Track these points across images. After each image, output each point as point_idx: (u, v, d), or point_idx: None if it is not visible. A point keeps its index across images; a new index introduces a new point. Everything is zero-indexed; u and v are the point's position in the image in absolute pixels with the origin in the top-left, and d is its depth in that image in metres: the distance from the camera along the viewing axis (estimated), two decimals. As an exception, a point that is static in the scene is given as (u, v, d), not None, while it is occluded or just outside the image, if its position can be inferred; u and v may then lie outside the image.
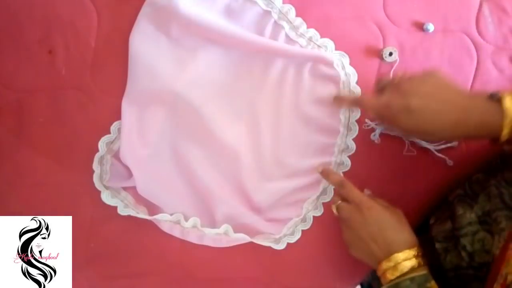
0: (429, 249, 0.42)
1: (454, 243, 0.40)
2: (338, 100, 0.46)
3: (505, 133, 0.35)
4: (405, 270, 0.38)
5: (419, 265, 0.39)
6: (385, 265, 0.39)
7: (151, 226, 0.49)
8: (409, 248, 0.39)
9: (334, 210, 0.46)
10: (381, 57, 0.49)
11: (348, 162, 0.49)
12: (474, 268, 0.38)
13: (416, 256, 0.39)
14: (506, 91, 0.36)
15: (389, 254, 0.39)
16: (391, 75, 0.49)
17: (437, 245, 0.42)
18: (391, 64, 0.49)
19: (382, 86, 0.43)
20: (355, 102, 0.44)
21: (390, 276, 0.38)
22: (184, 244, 0.50)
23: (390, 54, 0.48)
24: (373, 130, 0.49)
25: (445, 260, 0.40)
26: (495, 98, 0.36)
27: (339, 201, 0.45)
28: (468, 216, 0.39)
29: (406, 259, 0.38)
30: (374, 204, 0.42)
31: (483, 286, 0.36)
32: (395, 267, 0.38)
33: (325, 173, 0.48)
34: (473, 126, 0.36)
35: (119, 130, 0.49)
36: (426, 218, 0.49)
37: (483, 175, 0.43)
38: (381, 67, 0.49)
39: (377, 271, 0.41)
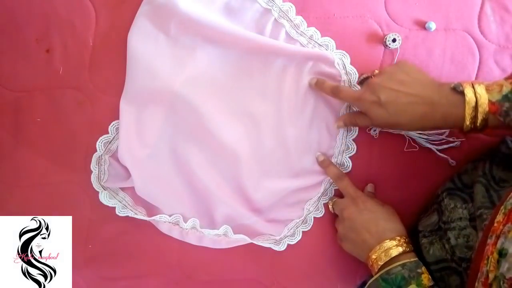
0: (413, 243, 0.46)
1: (440, 236, 0.44)
2: (319, 84, 0.50)
3: (468, 123, 0.40)
4: (395, 254, 0.42)
5: (409, 250, 0.43)
6: (376, 252, 0.43)
7: (149, 227, 0.52)
8: (399, 236, 0.44)
9: (331, 207, 0.52)
10: (384, 44, 0.52)
11: (349, 163, 0.52)
12: (455, 261, 0.41)
13: (406, 242, 0.44)
14: (466, 82, 0.40)
15: (381, 241, 0.44)
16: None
17: (423, 240, 0.45)
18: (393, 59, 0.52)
19: (362, 80, 0.49)
20: (334, 90, 0.48)
21: (381, 262, 0.43)
22: (183, 245, 0.52)
23: (394, 40, 0.51)
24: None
25: (428, 253, 0.44)
26: (458, 90, 0.40)
27: (335, 198, 0.50)
28: (460, 211, 0.43)
29: (397, 245, 0.43)
30: (369, 199, 0.48)
31: (462, 281, 0.40)
32: (386, 252, 0.43)
33: (325, 164, 0.52)
34: (440, 118, 0.41)
35: (117, 129, 0.51)
36: None
37: (471, 164, 0.46)
38: (382, 67, 0.52)
39: (368, 261, 0.45)
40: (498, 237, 0.32)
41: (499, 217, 0.33)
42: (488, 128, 0.40)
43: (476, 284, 0.33)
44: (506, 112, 0.38)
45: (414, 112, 0.41)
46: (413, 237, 0.48)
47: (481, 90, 0.39)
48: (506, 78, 0.40)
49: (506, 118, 0.38)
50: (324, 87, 0.49)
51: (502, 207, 0.34)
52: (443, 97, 0.41)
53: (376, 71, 0.47)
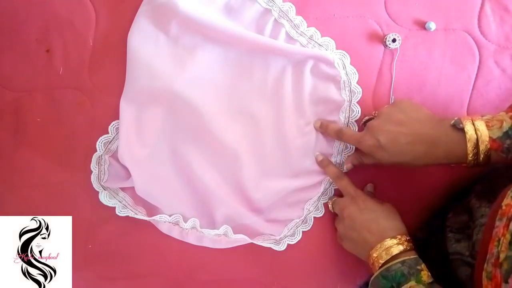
0: (439, 237, 0.46)
1: (468, 235, 0.44)
2: (323, 128, 0.51)
3: (470, 158, 0.40)
4: (396, 252, 0.43)
5: (410, 249, 0.43)
6: (377, 250, 0.43)
7: (149, 227, 0.52)
8: (400, 234, 0.44)
9: (330, 206, 0.52)
10: (384, 44, 0.52)
11: (349, 162, 0.53)
12: (472, 256, 0.41)
13: (407, 241, 0.44)
14: (466, 118, 0.40)
15: (381, 239, 0.44)
16: (394, 66, 0.52)
17: (450, 234, 0.45)
18: (392, 65, 0.52)
19: (365, 121, 0.50)
20: (338, 132, 0.49)
21: (382, 260, 0.43)
22: (183, 245, 0.52)
23: (394, 40, 0.51)
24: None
25: (451, 246, 0.44)
26: (458, 127, 0.40)
27: (335, 198, 0.50)
28: (483, 209, 0.43)
29: (398, 244, 0.43)
30: (369, 198, 0.48)
31: (472, 271, 0.40)
32: (387, 250, 0.43)
33: (324, 164, 0.52)
34: (442, 155, 0.41)
35: (117, 129, 0.51)
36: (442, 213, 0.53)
37: (505, 169, 0.46)
38: (382, 67, 0.52)
39: (369, 260, 0.45)
40: (510, 219, 0.32)
41: (507, 200, 0.33)
42: (491, 163, 0.40)
43: (485, 265, 0.33)
44: (508, 149, 0.38)
45: (414, 151, 0.42)
46: (439, 232, 0.48)
47: (481, 126, 0.39)
48: (507, 111, 0.40)
49: (508, 154, 0.38)
50: (328, 130, 0.50)
51: (510, 191, 0.34)
52: (442, 134, 0.41)
53: (376, 113, 0.48)
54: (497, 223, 0.33)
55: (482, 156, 0.39)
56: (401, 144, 0.42)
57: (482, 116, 0.41)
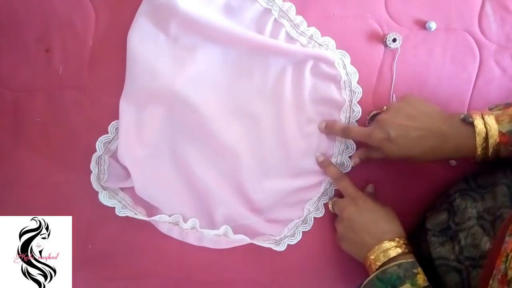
0: (422, 240, 0.46)
1: (451, 237, 0.44)
2: (329, 127, 0.51)
3: (479, 153, 0.40)
4: (393, 254, 0.42)
5: (408, 252, 0.43)
6: (374, 252, 0.43)
7: (149, 227, 0.52)
8: (398, 237, 0.44)
9: (330, 206, 0.52)
10: (384, 44, 0.52)
11: (349, 163, 0.52)
12: (458, 260, 0.41)
13: (405, 244, 0.44)
14: (475, 112, 0.41)
15: (380, 241, 0.44)
16: (394, 66, 0.52)
17: (433, 238, 0.45)
18: (393, 65, 0.52)
19: (372, 116, 0.50)
20: (344, 130, 0.49)
21: (379, 262, 0.43)
22: (183, 245, 0.52)
23: (394, 40, 0.51)
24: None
25: (435, 250, 0.44)
26: (468, 121, 0.40)
27: (335, 198, 0.50)
28: (469, 211, 0.43)
29: (396, 247, 0.43)
30: (369, 199, 0.48)
31: (461, 278, 0.40)
32: (384, 253, 0.43)
33: (324, 164, 0.52)
34: (451, 149, 0.41)
35: (117, 129, 0.51)
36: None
37: (488, 168, 0.46)
38: (382, 67, 0.52)
39: (366, 262, 0.44)
40: None
41: None
42: (500, 157, 0.40)
43: (491, 281, 0.32)
44: None
45: (424, 145, 0.42)
46: (421, 233, 0.47)
47: (491, 120, 0.39)
48: None
49: None
50: (335, 129, 0.50)
51: None
52: (452, 128, 0.41)
53: (385, 107, 0.48)
54: (507, 238, 0.33)
55: (491, 150, 0.39)
56: (411, 138, 0.42)
57: (492, 110, 0.41)
